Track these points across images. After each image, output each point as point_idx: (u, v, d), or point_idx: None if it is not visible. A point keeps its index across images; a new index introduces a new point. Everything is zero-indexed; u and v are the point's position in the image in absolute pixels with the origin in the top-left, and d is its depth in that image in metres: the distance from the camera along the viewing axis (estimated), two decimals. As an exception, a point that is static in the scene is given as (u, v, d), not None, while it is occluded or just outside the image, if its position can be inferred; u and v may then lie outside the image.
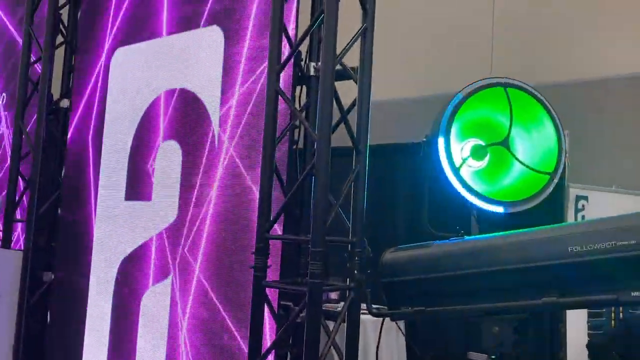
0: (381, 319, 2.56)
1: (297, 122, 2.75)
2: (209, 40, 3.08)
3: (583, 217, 3.58)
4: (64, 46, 4.03)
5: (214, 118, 3.00)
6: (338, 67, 2.49)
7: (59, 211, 3.83)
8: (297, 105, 2.80)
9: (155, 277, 3.19)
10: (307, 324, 2.34)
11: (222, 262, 2.85)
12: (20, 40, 4.13)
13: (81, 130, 3.80)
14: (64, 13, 4.02)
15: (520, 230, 2.24)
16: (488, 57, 4.66)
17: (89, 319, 3.53)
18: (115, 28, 3.65)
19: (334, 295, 3.54)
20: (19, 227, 3.99)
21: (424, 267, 2.30)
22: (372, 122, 2.61)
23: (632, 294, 1.94)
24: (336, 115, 2.54)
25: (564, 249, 2.02)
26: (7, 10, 4.54)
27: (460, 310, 2.28)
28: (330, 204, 2.43)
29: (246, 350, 2.59)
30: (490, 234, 2.33)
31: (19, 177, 3.96)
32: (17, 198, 3.93)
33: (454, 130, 3.54)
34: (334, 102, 2.47)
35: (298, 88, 2.84)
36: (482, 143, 3.64)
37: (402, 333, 3.31)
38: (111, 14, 3.68)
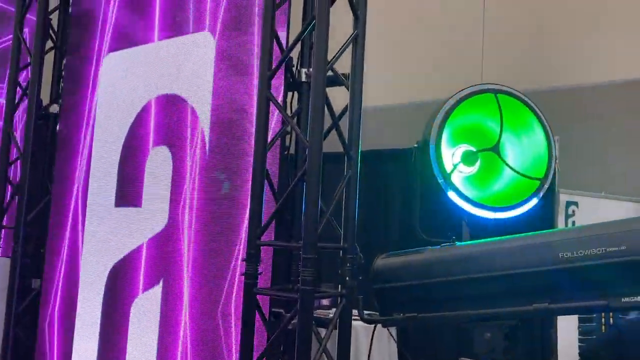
0: (373, 325, 2.55)
1: (289, 128, 2.75)
2: (199, 45, 3.07)
3: (573, 222, 3.60)
4: (53, 51, 4.01)
5: (205, 124, 2.99)
6: (329, 73, 2.49)
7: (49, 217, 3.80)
8: (288, 111, 2.80)
9: (145, 284, 3.16)
10: (298, 331, 2.33)
11: (212, 269, 2.83)
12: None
13: (71, 135, 3.77)
14: (54, 18, 4.00)
15: (511, 236, 2.24)
16: (479, 64, 4.69)
17: (78, 325, 3.49)
18: (105, 33, 3.63)
19: (325, 301, 3.53)
20: (3, 233, 3.95)
21: (415, 273, 2.29)
22: (363, 128, 2.61)
23: (623, 299, 1.95)
24: (327, 121, 2.54)
25: (555, 255, 2.03)
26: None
27: (452, 316, 2.28)
28: (321, 211, 2.43)
29: (237, 358, 2.57)
30: (482, 240, 2.33)
31: (7, 183, 3.93)
32: (5, 204, 3.90)
33: (445, 136, 3.56)
34: (326, 108, 2.47)
35: (289, 94, 2.84)
36: (473, 149, 3.66)
37: (394, 339, 3.30)
38: (101, 19, 3.67)
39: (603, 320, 3.48)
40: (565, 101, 4.30)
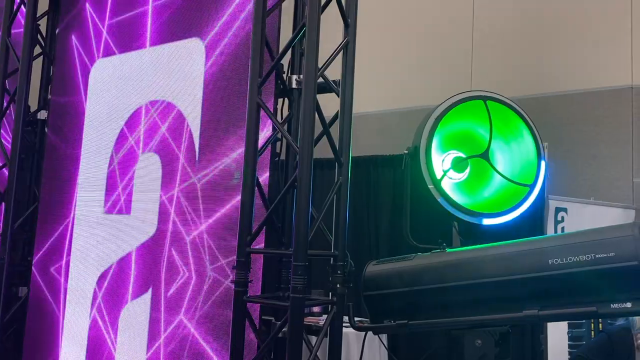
0: (364, 332, 2.54)
1: (279, 135, 2.74)
2: (190, 51, 3.06)
3: (563, 228, 3.62)
4: (41, 57, 3.98)
5: (195, 130, 2.98)
6: (320, 80, 2.49)
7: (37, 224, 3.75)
8: (279, 118, 2.79)
9: (134, 292, 3.13)
10: (289, 339, 2.31)
11: (202, 277, 2.81)
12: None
13: (60, 142, 3.74)
14: (42, 24, 3.97)
15: (501, 242, 2.25)
16: (468, 71, 4.72)
17: (66, 333, 3.45)
18: (96, 39, 3.61)
19: (316, 308, 3.51)
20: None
21: (406, 280, 2.29)
22: (354, 134, 2.61)
23: (612, 306, 1.96)
24: (318, 127, 2.54)
25: (545, 261, 2.04)
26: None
27: (443, 323, 2.28)
28: (312, 217, 2.42)
29: (227, 366, 2.56)
30: (472, 247, 2.33)
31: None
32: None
33: (435, 143, 3.56)
34: (316, 115, 2.47)
35: (280, 100, 2.84)
36: (463, 155, 3.67)
37: (385, 346, 3.30)
38: (91, 24, 3.65)
39: (592, 325, 3.50)
40: (554, 108, 4.34)
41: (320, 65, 2.46)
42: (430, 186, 3.50)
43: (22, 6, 3.86)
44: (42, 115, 3.90)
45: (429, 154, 3.51)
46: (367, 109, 4.72)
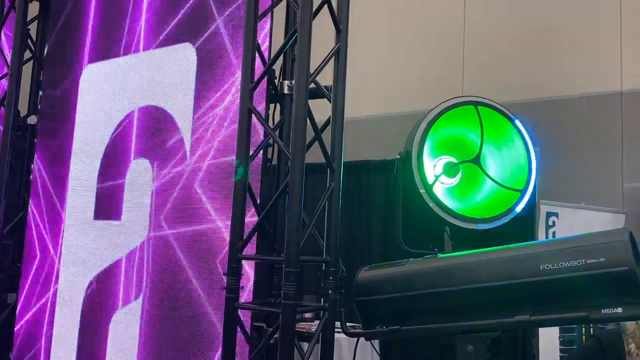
0: (356, 338, 2.53)
1: (271, 140, 2.73)
2: (181, 57, 3.05)
3: (554, 233, 3.64)
4: (31, 61, 3.95)
5: (186, 135, 2.97)
6: (312, 85, 2.49)
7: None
8: (270, 124, 2.79)
9: (125, 299, 3.11)
10: (280, 345, 2.30)
11: (193, 284, 2.80)
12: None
13: (49, 148, 3.71)
14: (32, 28, 3.95)
15: (493, 248, 2.25)
16: (459, 76, 4.74)
17: (55, 341, 3.42)
18: (86, 45, 3.59)
19: (308, 314, 3.50)
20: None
21: (398, 285, 2.29)
22: (345, 139, 2.61)
23: (603, 311, 1.97)
24: (310, 133, 2.54)
25: (536, 266, 2.04)
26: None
27: (435, 328, 2.27)
28: (304, 223, 2.41)
29: (218, 373, 2.54)
30: (463, 252, 2.33)
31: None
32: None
33: (426, 148, 3.57)
34: (308, 120, 2.47)
35: (271, 106, 2.83)
36: (454, 160, 3.68)
37: (377, 352, 3.28)
38: (81, 30, 3.63)
39: (584, 330, 3.51)
40: (545, 113, 4.36)
41: (312, 71, 2.46)
42: (422, 191, 3.50)
43: (12, 10, 3.84)
44: (32, 120, 3.87)
45: (420, 159, 3.51)
46: (358, 114, 4.72)
